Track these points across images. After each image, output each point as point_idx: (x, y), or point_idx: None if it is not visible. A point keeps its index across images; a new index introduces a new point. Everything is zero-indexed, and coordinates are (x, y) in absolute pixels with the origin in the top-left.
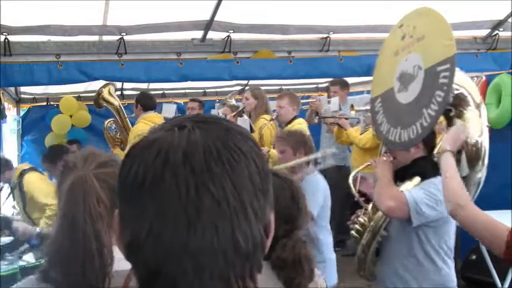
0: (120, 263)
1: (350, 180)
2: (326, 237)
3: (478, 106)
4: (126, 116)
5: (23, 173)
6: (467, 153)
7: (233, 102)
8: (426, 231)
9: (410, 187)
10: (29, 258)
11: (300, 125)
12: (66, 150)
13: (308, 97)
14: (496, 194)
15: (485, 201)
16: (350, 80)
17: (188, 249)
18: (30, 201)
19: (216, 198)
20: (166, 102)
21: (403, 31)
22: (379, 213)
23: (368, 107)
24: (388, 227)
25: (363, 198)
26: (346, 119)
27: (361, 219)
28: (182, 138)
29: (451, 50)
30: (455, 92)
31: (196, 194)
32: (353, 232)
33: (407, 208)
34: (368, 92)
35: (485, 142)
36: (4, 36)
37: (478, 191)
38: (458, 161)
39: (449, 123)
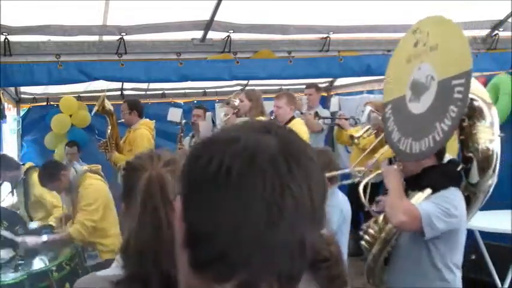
0: None
1: (360, 189)
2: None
3: (491, 115)
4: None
5: (29, 171)
6: (478, 161)
7: (237, 102)
8: (436, 242)
9: (421, 199)
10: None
11: (300, 125)
12: (58, 162)
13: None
14: (496, 193)
15: (485, 200)
16: (350, 80)
17: (262, 243)
18: (35, 199)
19: (296, 200)
20: (166, 102)
21: (416, 37)
22: (386, 232)
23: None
24: (398, 236)
25: (372, 208)
26: (346, 119)
27: (371, 231)
28: (269, 141)
29: (468, 64)
30: (472, 102)
31: (281, 195)
32: (363, 243)
33: (419, 223)
34: (368, 92)
35: (496, 150)
36: (4, 36)
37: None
38: (469, 169)
39: (461, 132)
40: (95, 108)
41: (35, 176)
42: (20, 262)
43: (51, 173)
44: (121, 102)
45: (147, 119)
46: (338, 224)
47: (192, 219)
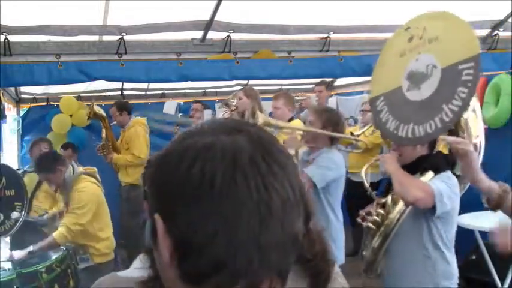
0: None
1: (362, 173)
2: (338, 217)
3: (474, 109)
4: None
5: None
6: None
7: (235, 102)
8: (437, 223)
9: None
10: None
11: (299, 126)
12: (59, 155)
13: None
14: None
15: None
16: (350, 80)
17: (258, 244)
18: (45, 189)
19: (281, 197)
20: (165, 102)
21: (410, 33)
22: (392, 216)
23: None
24: (399, 225)
25: (374, 192)
26: (345, 119)
27: (380, 211)
28: (243, 141)
29: (475, 49)
30: None
31: (267, 193)
32: (369, 224)
33: (433, 199)
34: (368, 92)
35: (481, 143)
36: (4, 36)
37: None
38: (455, 161)
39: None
40: (86, 115)
41: None
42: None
43: (48, 163)
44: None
45: (138, 117)
46: (333, 178)
47: (181, 233)
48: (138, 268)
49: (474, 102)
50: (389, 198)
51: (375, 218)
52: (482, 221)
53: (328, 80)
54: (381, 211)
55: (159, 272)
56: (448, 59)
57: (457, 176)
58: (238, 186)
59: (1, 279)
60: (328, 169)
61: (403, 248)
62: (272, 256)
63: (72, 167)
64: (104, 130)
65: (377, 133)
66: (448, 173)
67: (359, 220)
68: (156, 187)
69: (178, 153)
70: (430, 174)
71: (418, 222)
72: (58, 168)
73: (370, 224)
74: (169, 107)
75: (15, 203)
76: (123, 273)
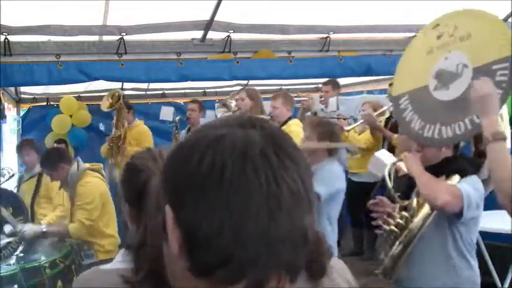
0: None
1: (386, 173)
2: (334, 230)
3: (501, 113)
4: None
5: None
6: None
7: (233, 102)
8: (460, 229)
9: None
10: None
11: (296, 126)
12: (64, 153)
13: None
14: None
15: (485, 200)
16: (350, 80)
17: (267, 238)
18: (45, 194)
19: (292, 190)
20: (166, 102)
21: (439, 31)
22: (414, 224)
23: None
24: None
25: (398, 194)
26: (345, 119)
27: (405, 214)
28: (255, 135)
29: (510, 49)
30: None
31: (277, 187)
32: (393, 227)
33: (461, 202)
34: (368, 92)
35: (508, 146)
36: (4, 36)
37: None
38: (480, 165)
39: None
40: (107, 104)
41: (46, 177)
42: (20, 255)
43: (51, 160)
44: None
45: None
46: (335, 191)
47: (189, 224)
48: (119, 261)
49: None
50: (414, 200)
51: (399, 221)
52: (482, 221)
53: (320, 81)
54: (406, 214)
55: (166, 264)
56: (480, 58)
57: (483, 181)
58: (248, 179)
59: (4, 274)
60: (331, 182)
61: (424, 254)
62: (280, 250)
63: (77, 163)
64: (116, 121)
65: (367, 131)
66: (475, 177)
67: (380, 223)
68: (167, 179)
69: (190, 145)
70: (457, 177)
71: (442, 228)
72: (61, 166)
73: (393, 228)
74: (166, 113)
75: (17, 218)
76: (105, 267)
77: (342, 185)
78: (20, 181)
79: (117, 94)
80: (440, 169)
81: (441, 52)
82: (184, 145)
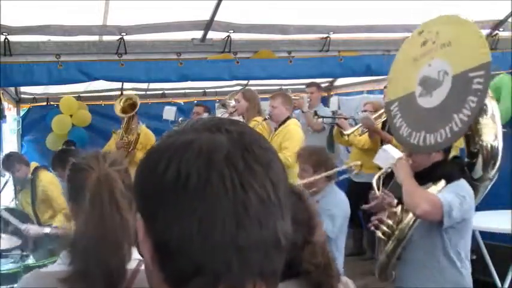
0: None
1: (374, 182)
2: (340, 256)
3: (492, 113)
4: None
5: (36, 170)
6: (483, 156)
7: (233, 102)
8: (451, 233)
9: (436, 191)
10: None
11: (295, 125)
12: (76, 152)
13: None
14: (496, 193)
15: (485, 201)
16: (350, 80)
17: (236, 246)
18: (43, 199)
19: (260, 196)
20: (166, 102)
21: (424, 37)
22: (405, 222)
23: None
24: (413, 230)
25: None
26: (346, 119)
27: (390, 222)
28: (221, 139)
29: (486, 57)
30: None
31: (243, 193)
32: (380, 234)
33: (441, 212)
34: (368, 92)
35: (499, 146)
36: (4, 36)
37: (490, 184)
38: (474, 164)
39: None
40: (119, 107)
41: (42, 175)
42: (25, 254)
43: (63, 159)
44: None
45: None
46: (341, 223)
47: (158, 234)
48: (59, 264)
49: (493, 104)
50: (399, 207)
51: (385, 229)
52: (482, 221)
53: (324, 81)
54: (390, 222)
55: (146, 274)
56: (458, 65)
57: (475, 180)
58: (213, 185)
59: (7, 272)
60: (338, 213)
61: (414, 256)
62: (252, 257)
63: None
64: (127, 127)
65: (366, 134)
66: (461, 181)
67: (372, 228)
68: (137, 187)
69: (157, 152)
70: (442, 183)
71: (431, 231)
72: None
73: (381, 235)
74: (169, 112)
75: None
76: (45, 269)
77: (346, 211)
78: (15, 192)
79: (132, 99)
80: (429, 174)
81: (425, 59)
82: (153, 152)
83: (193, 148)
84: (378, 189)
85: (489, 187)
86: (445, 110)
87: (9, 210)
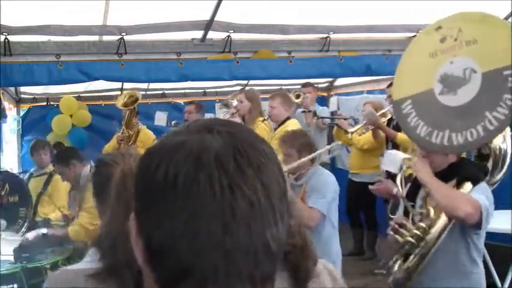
0: None
1: (398, 181)
2: (334, 236)
3: None
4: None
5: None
6: (494, 160)
7: (235, 102)
8: (473, 237)
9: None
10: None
11: (295, 125)
12: (77, 152)
13: None
14: (496, 193)
15: None
16: (350, 80)
17: (222, 249)
18: (48, 194)
19: (249, 199)
20: (166, 102)
21: (442, 33)
22: (433, 232)
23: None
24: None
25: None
26: (345, 119)
27: (422, 224)
28: (212, 141)
29: None
30: None
31: (231, 195)
32: (410, 238)
33: (480, 214)
34: (368, 92)
35: (508, 148)
36: (4, 36)
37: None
38: (487, 171)
39: None
40: (122, 102)
41: (56, 177)
42: (24, 255)
43: (64, 156)
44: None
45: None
46: (332, 196)
47: (147, 235)
48: (87, 261)
49: None
50: (431, 210)
51: (416, 231)
52: None
53: (324, 81)
54: (423, 224)
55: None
56: (489, 63)
57: None
58: (200, 186)
59: (5, 272)
60: (327, 190)
61: (437, 264)
62: (240, 262)
63: (90, 166)
64: (128, 122)
65: (369, 133)
66: (485, 185)
67: (391, 232)
68: (135, 186)
69: (151, 153)
70: (469, 186)
71: (455, 238)
72: (72, 163)
73: (410, 239)
74: (160, 118)
75: (20, 209)
76: (72, 267)
77: (335, 185)
78: (30, 177)
79: (135, 96)
80: (449, 176)
81: (446, 56)
82: (147, 152)
83: (184, 149)
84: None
85: (494, 187)
86: (475, 109)
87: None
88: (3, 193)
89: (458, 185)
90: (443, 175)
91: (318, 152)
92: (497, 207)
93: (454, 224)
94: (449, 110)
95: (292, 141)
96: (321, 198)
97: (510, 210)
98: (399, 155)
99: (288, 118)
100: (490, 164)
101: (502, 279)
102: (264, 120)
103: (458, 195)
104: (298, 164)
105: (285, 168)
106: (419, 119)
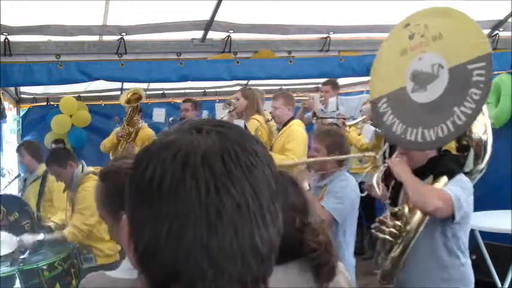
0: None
1: (374, 182)
2: (349, 243)
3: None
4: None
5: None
6: (474, 150)
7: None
8: (453, 227)
9: (441, 186)
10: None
11: (298, 126)
12: (71, 152)
13: None
14: (496, 193)
15: (485, 200)
16: (350, 80)
17: (208, 251)
18: (47, 199)
19: (237, 201)
20: (167, 102)
21: (410, 30)
22: (412, 224)
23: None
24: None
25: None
26: (345, 119)
27: (398, 223)
28: (200, 141)
29: (485, 48)
30: None
31: (217, 196)
32: (387, 236)
33: (451, 206)
34: (368, 92)
35: (489, 139)
36: (4, 36)
37: (479, 176)
38: (465, 158)
39: None
40: (125, 98)
41: (50, 178)
42: (21, 257)
43: (60, 157)
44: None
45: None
46: (351, 204)
47: (137, 237)
48: (125, 269)
49: None
50: (406, 208)
51: (392, 230)
52: (482, 221)
53: (320, 81)
54: (398, 223)
55: None
56: (455, 58)
57: (466, 173)
58: (186, 187)
59: (2, 275)
60: (346, 199)
61: (416, 257)
62: (227, 266)
63: (82, 166)
64: (130, 119)
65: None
66: (462, 176)
67: (374, 231)
68: (128, 186)
69: (142, 154)
70: (444, 179)
71: (432, 230)
72: (69, 163)
73: (387, 237)
74: (158, 115)
75: (23, 223)
76: (111, 273)
77: (356, 196)
78: (25, 184)
79: (138, 93)
80: (427, 170)
81: (415, 53)
82: (139, 152)
83: (172, 149)
84: (379, 188)
85: (477, 179)
86: (444, 104)
87: (12, 200)
88: (1, 216)
89: (435, 179)
90: (422, 170)
91: (347, 156)
92: (497, 207)
93: (429, 219)
94: (421, 107)
95: (324, 138)
96: (339, 203)
97: (510, 210)
98: (371, 127)
99: (291, 118)
100: (471, 154)
101: (502, 279)
102: (268, 120)
103: (428, 191)
104: (322, 160)
105: (308, 160)
106: (394, 117)
